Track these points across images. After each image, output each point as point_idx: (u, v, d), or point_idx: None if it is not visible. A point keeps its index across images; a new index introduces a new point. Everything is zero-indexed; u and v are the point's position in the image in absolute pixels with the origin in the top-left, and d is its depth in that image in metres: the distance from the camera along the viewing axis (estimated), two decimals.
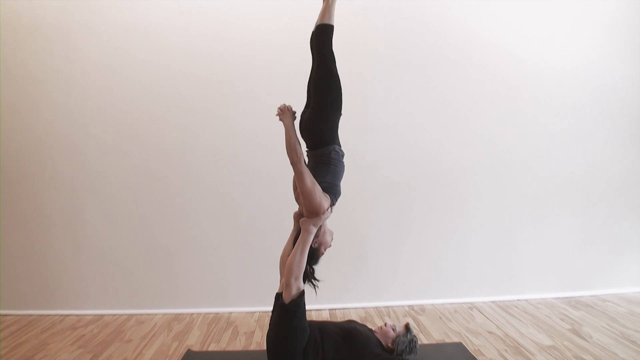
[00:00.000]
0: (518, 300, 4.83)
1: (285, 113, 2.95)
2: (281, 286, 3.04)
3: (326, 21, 2.96)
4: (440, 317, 4.40)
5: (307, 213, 2.94)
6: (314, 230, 2.96)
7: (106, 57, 4.50)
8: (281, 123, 2.95)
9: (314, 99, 2.98)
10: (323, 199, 2.88)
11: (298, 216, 3.10)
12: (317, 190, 2.85)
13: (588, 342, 3.77)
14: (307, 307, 3.04)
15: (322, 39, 2.97)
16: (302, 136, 3.07)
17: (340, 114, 3.02)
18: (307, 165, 2.96)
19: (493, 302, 4.79)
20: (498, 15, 4.73)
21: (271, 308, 3.13)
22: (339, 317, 4.39)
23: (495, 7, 4.72)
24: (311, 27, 3.00)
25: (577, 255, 4.98)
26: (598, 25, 4.84)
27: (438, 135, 4.76)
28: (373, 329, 3.30)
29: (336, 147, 3.01)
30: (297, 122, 3.04)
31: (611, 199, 4.99)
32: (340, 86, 2.96)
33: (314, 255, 3.10)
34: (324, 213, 2.92)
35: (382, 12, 4.60)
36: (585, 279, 4.99)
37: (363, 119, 4.62)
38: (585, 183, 4.94)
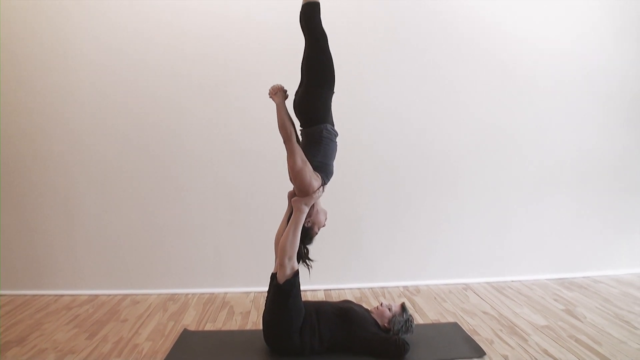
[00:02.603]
0: (512, 281, 4.85)
1: (277, 92, 2.95)
2: (276, 266, 3.05)
3: (309, 0, 2.93)
4: (435, 298, 4.42)
5: (298, 192, 2.95)
6: (306, 209, 2.96)
7: (101, 36, 4.43)
8: (274, 103, 2.96)
9: (307, 77, 2.97)
10: (313, 178, 2.89)
11: (292, 196, 3.10)
12: (308, 169, 2.85)
13: (582, 322, 3.79)
14: (302, 288, 3.06)
15: (310, 17, 2.94)
16: (295, 114, 3.06)
17: (333, 92, 3.01)
18: (299, 144, 2.95)
19: (487, 283, 4.81)
20: None
21: (266, 288, 3.14)
22: (334, 298, 4.40)
23: None
24: None
25: (570, 237, 5.00)
26: (594, 6, 4.80)
27: (433, 118, 4.73)
28: (369, 309, 3.32)
29: (328, 126, 3.00)
30: (290, 101, 3.03)
31: (605, 181, 5.00)
32: (333, 64, 2.95)
33: (308, 235, 3.12)
34: (315, 192, 2.92)
35: None
36: (578, 260, 5.02)
37: (358, 100, 4.58)
38: (579, 165, 4.94)
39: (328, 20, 2.98)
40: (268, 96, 3.01)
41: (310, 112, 2.96)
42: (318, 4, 2.93)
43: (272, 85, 3.01)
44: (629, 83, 4.92)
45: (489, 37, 4.71)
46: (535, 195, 4.91)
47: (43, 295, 4.54)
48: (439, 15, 4.63)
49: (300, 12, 3.00)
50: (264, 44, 4.48)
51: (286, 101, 2.99)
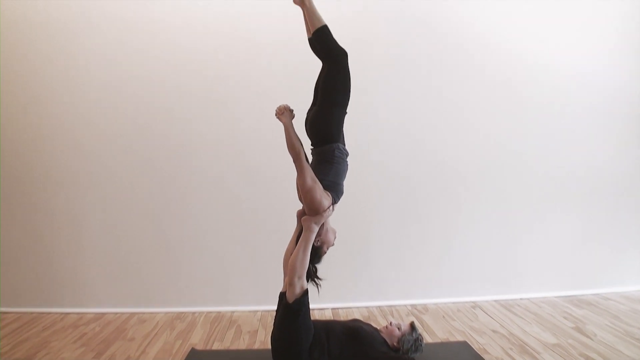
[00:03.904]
0: (520, 299, 4.82)
1: (284, 113, 2.95)
2: (285, 285, 3.03)
3: (317, 25, 2.94)
4: (444, 316, 4.39)
5: (308, 211, 2.93)
6: (316, 228, 2.94)
7: (109, 52, 4.47)
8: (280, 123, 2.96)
9: (321, 96, 2.97)
10: (324, 197, 2.87)
11: (301, 214, 3.08)
12: (318, 188, 2.84)
13: (592, 340, 3.76)
14: (310, 306, 3.03)
15: (324, 42, 2.95)
16: (307, 133, 3.06)
17: (345, 113, 3.01)
18: (310, 163, 2.95)
19: (495, 300, 4.78)
20: (503, 16, 4.72)
21: (274, 307, 3.12)
22: (342, 316, 4.38)
23: (500, 8, 4.70)
24: None
25: (579, 254, 4.98)
26: (602, 26, 4.84)
27: (442, 134, 4.74)
28: (378, 328, 3.29)
29: (340, 145, 2.99)
30: (302, 119, 3.03)
31: (613, 197, 4.99)
32: (350, 85, 2.95)
33: (317, 254, 3.09)
34: (325, 211, 2.91)
35: (388, 12, 4.58)
36: (587, 277, 4.99)
37: (367, 118, 4.59)
38: (587, 182, 4.93)
39: (338, 39, 2.99)
40: (275, 116, 3.01)
41: (323, 131, 2.96)
42: (326, 26, 2.94)
43: (278, 105, 3.01)
44: (635, 100, 4.92)
45: (498, 56, 4.73)
46: (543, 212, 4.90)
47: (49, 313, 4.53)
48: (449, 35, 4.67)
49: (312, 40, 3.00)
50: (273, 62, 4.51)
51: (296, 119, 3.00)
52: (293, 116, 2.97)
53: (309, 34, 3.00)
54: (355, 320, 3.35)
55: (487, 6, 4.68)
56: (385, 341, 3.15)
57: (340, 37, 2.98)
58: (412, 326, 3.20)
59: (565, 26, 4.79)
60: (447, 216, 4.80)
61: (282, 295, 3.02)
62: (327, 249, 3.15)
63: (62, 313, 4.54)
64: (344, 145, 3.02)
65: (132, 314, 4.50)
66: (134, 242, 4.60)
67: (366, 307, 4.63)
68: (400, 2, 4.57)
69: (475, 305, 4.66)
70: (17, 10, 4.42)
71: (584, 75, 4.84)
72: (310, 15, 2.96)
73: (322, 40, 2.94)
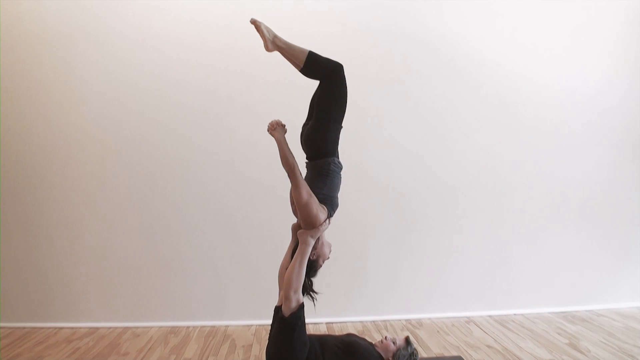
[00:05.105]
0: (514, 314, 4.83)
1: (276, 128, 2.96)
2: (280, 299, 3.03)
3: (302, 57, 2.94)
4: (438, 331, 4.39)
5: (304, 225, 2.93)
6: (312, 242, 2.95)
7: (106, 65, 4.51)
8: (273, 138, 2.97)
9: (317, 111, 2.99)
10: (319, 211, 2.88)
11: (296, 228, 3.09)
12: (314, 201, 2.85)
13: (586, 356, 3.77)
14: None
15: (317, 67, 2.96)
16: (302, 147, 3.08)
17: (341, 127, 3.04)
18: (305, 177, 2.97)
19: (490, 316, 4.79)
20: (500, 32, 4.80)
21: (268, 321, 3.11)
22: (337, 331, 4.37)
23: (497, 24, 4.79)
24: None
25: (573, 270, 5.00)
26: (597, 43, 4.92)
27: (438, 150, 4.78)
28: (373, 342, 3.29)
29: (335, 159, 3.01)
30: (297, 133, 3.06)
31: (607, 214, 5.02)
32: (346, 99, 2.98)
33: (313, 268, 3.09)
34: (321, 225, 2.92)
35: (384, 27, 4.64)
36: (580, 293, 5.01)
37: (363, 133, 4.64)
38: (581, 198, 4.97)
39: (333, 56, 3.03)
40: (267, 132, 3.02)
41: (320, 145, 2.98)
42: (311, 52, 2.95)
43: (270, 120, 3.02)
44: (630, 119, 4.99)
45: (494, 73, 4.80)
46: (537, 229, 4.93)
47: (42, 328, 4.49)
48: (445, 52, 4.74)
49: (304, 71, 3.01)
50: (269, 75, 4.54)
51: (292, 134, 3.02)
52: (285, 131, 2.98)
53: (299, 68, 3.01)
54: (350, 335, 3.34)
55: (482, 22, 4.76)
56: (380, 355, 3.14)
57: (335, 53, 3.01)
58: (407, 341, 3.19)
59: (560, 43, 4.87)
60: (442, 231, 4.82)
61: (278, 309, 3.02)
62: (323, 262, 3.15)
63: (55, 327, 4.50)
64: (339, 158, 3.04)
65: (126, 329, 4.48)
66: (127, 256, 4.58)
67: (361, 322, 4.63)
68: (396, 18, 4.64)
69: (469, 321, 4.67)
70: (15, 21, 4.45)
71: (579, 92, 4.91)
72: (290, 52, 2.96)
73: (314, 67, 2.96)
